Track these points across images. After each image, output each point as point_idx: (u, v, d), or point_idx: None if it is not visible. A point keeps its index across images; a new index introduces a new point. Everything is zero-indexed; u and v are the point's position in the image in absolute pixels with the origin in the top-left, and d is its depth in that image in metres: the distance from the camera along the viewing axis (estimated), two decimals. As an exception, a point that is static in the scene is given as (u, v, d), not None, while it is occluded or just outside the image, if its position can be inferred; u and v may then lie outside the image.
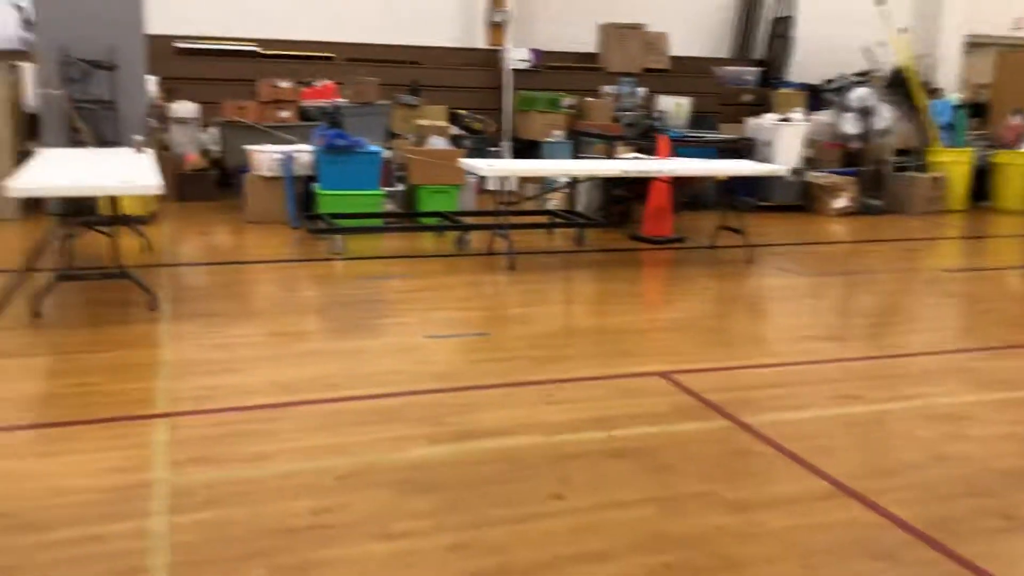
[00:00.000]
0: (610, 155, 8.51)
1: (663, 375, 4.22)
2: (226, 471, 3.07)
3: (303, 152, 7.85)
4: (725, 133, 10.22)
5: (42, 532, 2.62)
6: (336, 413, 3.64)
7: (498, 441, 3.40)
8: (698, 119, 10.78)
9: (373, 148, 7.84)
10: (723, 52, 12.09)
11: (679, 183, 7.79)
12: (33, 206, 7.33)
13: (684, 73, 11.29)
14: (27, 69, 7.94)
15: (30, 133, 7.85)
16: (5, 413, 3.54)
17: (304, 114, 9.21)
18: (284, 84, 9.25)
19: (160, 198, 6.57)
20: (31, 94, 7.90)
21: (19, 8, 8.12)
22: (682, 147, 8.47)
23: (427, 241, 7.42)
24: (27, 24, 7.81)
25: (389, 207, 8.09)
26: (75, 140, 7.46)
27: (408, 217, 8.22)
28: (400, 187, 8.31)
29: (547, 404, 3.80)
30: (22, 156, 7.21)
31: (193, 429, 3.44)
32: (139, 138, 6.56)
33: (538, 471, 3.14)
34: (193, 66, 9.33)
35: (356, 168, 7.66)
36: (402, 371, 4.19)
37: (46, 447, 3.26)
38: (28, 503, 2.79)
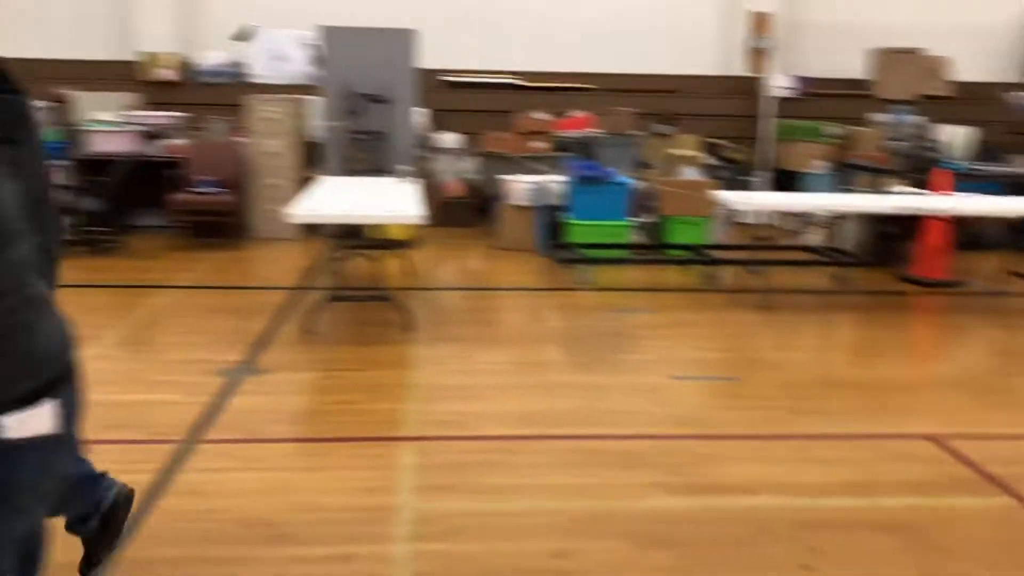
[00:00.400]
0: (878, 188, 7.91)
1: (933, 439, 3.80)
2: (467, 502, 3.11)
3: (554, 182, 7.98)
4: (1016, 166, 9.18)
5: (298, 546, 2.78)
6: (576, 451, 3.60)
7: (743, 499, 3.19)
8: (984, 151, 9.78)
9: (622, 179, 7.82)
10: (1017, 77, 10.92)
11: (959, 220, 7.08)
12: (311, 227, 7.99)
13: (968, 100, 10.31)
14: (312, 102, 8.70)
15: (311, 160, 8.58)
16: (277, 426, 3.83)
17: (559, 145, 9.38)
18: (541, 115, 9.48)
19: (422, 224, 6.94)
20: (315, 125, 8.65)
21: (311, 47, 8.93)
22: (964, 182, 7.71)
23: (674, 274, 7.26)
24: (318, 62, 8.57)
25: (637, 238, 8.02)
26: (350, 168, 8.07)
27: (656, 249, 8.09)
28: (649, 218, 8.22)
29: (800, 462, 3.54)
30: (303, 182, 7.90)
31: (438, 455, 3.53)
32: (406, 168, 6.96)
33: (786, 537, 2.91)
34: (459, 98, 9.80)
35: (605, 198, 7.67)
36: (644, 412, 4.08)
37: (307, 461, 3.48)
38: (288, 515, 2.97)
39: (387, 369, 4.64)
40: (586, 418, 3.98)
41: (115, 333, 5.19)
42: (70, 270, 7.09)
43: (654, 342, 5.31)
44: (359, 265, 6.75)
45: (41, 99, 8.18)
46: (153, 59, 9.12)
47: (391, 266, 6.94)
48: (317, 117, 8.60)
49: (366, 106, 8.28)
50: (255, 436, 3.69)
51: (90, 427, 3.74)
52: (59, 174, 7.93)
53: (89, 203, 7.51)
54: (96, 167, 7.98)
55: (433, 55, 9.06)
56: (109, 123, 8.34)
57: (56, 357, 1.43)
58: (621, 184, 7.75)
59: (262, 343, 5.04)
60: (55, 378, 1.41)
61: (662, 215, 8.12)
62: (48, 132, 8.19)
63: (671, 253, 7.85)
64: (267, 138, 8.40)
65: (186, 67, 9.23)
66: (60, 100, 8.65)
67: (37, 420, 1.36)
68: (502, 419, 3.94)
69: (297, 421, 3.93)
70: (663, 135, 9.54)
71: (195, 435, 3.67)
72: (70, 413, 1.45)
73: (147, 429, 3.72)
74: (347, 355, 4.89)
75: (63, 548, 2.31)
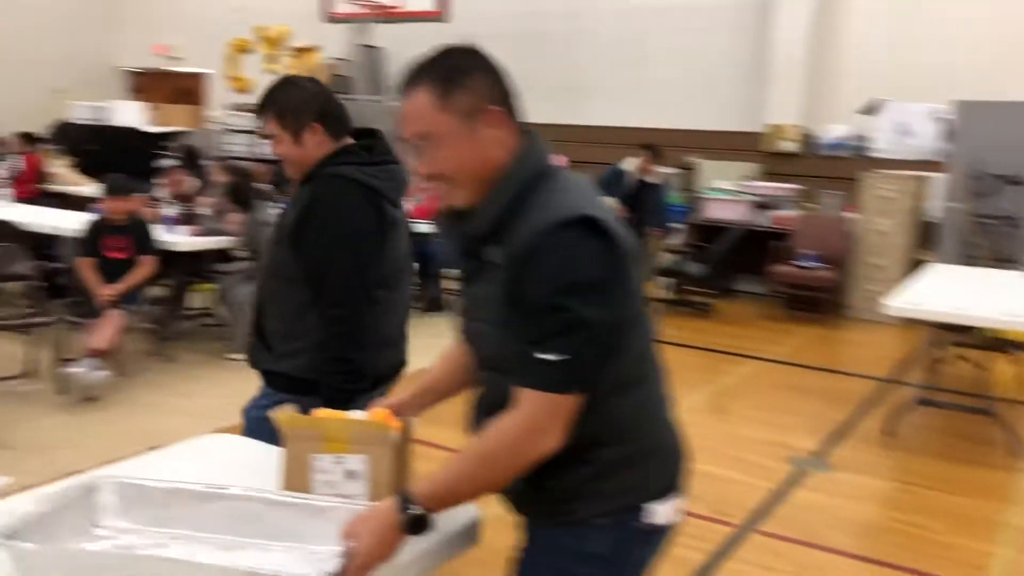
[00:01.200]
0: None
1: None
2: None
3: None
4: None
5: None
6: None
7: None
8: None
9: None
10: None
11: None
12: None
13: None
14: (933, 180, 8.08)
15: (924, 243, 7.97)
16: (835, 533, 3.57)
17: None
18: None
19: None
20: (934, 205, 8.01)
21: (942, 122, 8.31)
22: None
23: None
24: (947, 137, 7.94)
25: None
26: (970, 256, 7.29)
27: None
28: None
29: None
30: (913, 265, 7.36)
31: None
32: (1037, 262, 6.03)
33: None
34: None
35: None
36: None
37: (862, 585, 3.18)
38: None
39: (978, 498, 4.03)
40: None
41: (697, 397, 5.41)
42: (669, 328, 7.60)
43: None
44: (961, 366, 6.03)
45: (672, 166, 9.01)
46: (777, 131, 9.40)
47: (1003, 372, 6.06)
48: (937, 196, 7.96)
49: (999, 187, 7.41)
50: (810, 539, 3.49)
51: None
52: (677, 237, 8.64)
53: (694, 267, 8.01)
54: (707, 232, 8.50)
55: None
56: (726, 191, 8.82)
57: (683, 458, 1.65)
58: None
59: (838, 435, 4.79)
60: (681, 476, 1.63)
61: None
62: (674, 197, 8.98)
63: None
64: (879, 216, 8.03)
65: (807, 139, 9.33)
66: (688, 168, 9.44)
67: (670, 511, 1.58)
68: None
69: (858, 534, 3.62)
70: None
71: (752, 523, 3.61)
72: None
73: (711, 505, 3.77)
74: (930, 470, 4.37)
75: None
